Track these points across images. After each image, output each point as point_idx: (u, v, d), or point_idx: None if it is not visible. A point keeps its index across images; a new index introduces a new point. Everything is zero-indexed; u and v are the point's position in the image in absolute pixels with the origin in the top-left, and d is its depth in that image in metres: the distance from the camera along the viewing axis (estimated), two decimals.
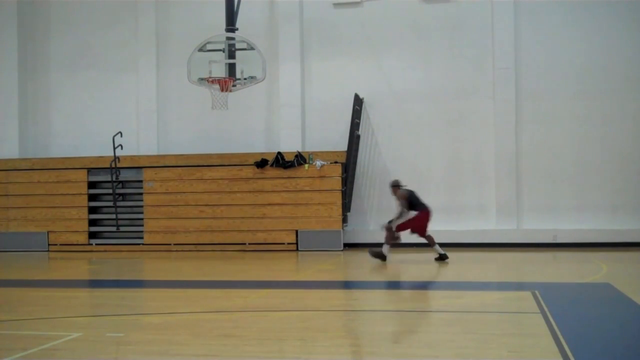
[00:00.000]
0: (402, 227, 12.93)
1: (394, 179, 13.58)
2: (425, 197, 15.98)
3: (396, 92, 16.23)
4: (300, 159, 15.59)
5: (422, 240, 13.12)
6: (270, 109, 16.80)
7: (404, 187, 13.15)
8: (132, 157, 16.57)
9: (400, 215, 12.92)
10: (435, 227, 15.77)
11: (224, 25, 14.32)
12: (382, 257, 12.73)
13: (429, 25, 16.14)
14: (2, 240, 16.65)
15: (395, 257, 13.64)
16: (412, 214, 12.91)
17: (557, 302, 8.18)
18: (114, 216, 16.43)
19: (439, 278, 11.31)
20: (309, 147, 16.38)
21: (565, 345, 5.90)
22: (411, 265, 13.18)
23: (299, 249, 15.48)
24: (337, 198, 15.43)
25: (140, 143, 17.12)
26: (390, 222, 12.93)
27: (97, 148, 16.98)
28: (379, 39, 16.34)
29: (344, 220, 15.68)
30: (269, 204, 15.71)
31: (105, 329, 6.99)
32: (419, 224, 12.94)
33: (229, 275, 12.12)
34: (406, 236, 15.85)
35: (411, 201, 12.91)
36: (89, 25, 17.58)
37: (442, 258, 12.78)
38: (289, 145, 16.23)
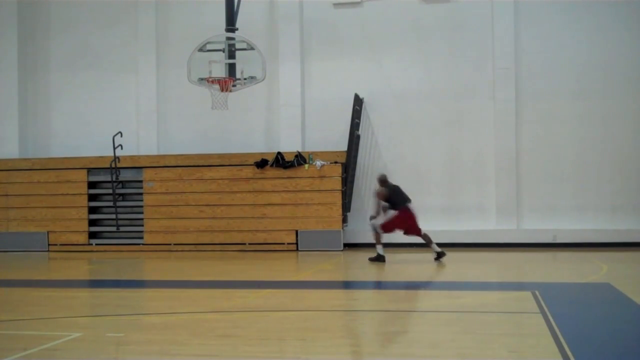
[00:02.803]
0: (387, 227, 12.77)
1: (382, 173, 13.41)
2: (425, 197, 16.06)
3: (396, 92, 16.23)
4: (300, 159, 15.59)
5: (419, 240, 13.00)
6: (270, 109, 16.79)
7: (389, 184, 12.93)
8: (132, 157, 16.57)
9: (377, 212, 12.81)
10: (436, 227, 15.80)
11: (224, 25, 14.34)
12: (381, 259, 12.68)
13: (429, 25, 16.15)
14: (2, 240, 16.64)
15: (395, 257, 13.64)
16: (391, 212, 12.74)
17: (557, 302, 8.18)
18: (114, 216, 16.43)
19: (439, 278, 11.31)
20: (309, 147, 16.38)
21: (565, 345, 5.90)
22: (411, 265, 13.18)
23: (299, 249, 15.47)
24: (337, 198, 15.43)
25: (140, 143, 17.12)
26: (371, 218, 12.88)
27: (97, 148, 16.97)
28: (379, 39, 16.34)
29: (344, 220, 15.68)
30: (269, 204, 15.71)
31: (105, 329, 6.99)
32: (411, 223, 12.77)
33: (229, 275, 12.11)
34: (406, 236, 15.91)
35: (392, 199, 12.72)
36: (89, 25, 17.59)
37: (440, 256, 12.67)
38: (289, 145, 16.23)
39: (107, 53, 17.51)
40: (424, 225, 15.91)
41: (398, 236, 15.88)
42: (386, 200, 12.78)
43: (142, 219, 16.37)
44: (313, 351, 6.10)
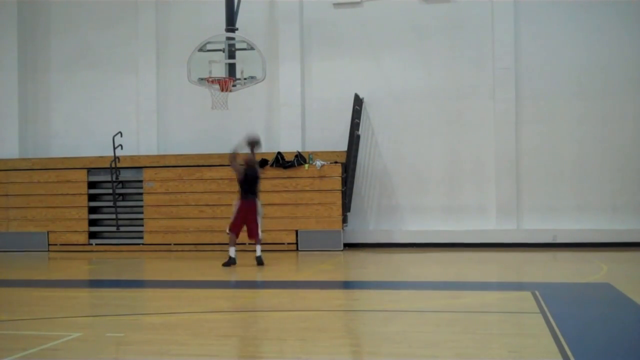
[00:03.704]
0: (234, 228, 12.44)
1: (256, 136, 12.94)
2: (425, 197, 16.08)
3: (396, 92, 16.23)
4: (300, 159, 15.59)
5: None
6: (270, 109, 16.79)
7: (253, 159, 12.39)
8: (132, 157, 16.57)
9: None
10: (436, 227, 15.87)
11: (224, 25, 14.34)
12: (232, 262, 12.35)
13: (429, 26, 16.14)
14: (2, 240, 16.64)
15: (395, 257, 13.66)
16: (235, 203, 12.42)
17: (557, 302, 8.17)
18: (114, 216, 16.43)
19: (439, 278, 11.32)
20: (309, 147, 16.37)
21: (565, 345, 5.89)
22: (411, 265, 13.18)
23: (299, 249, 15.47)
24: (337, 198, 15.42)
25: (140, 143, 17.12)
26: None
27: (97, 148, 16.97)
28: (379, 39, 16.34)
29: (344, 220, 15.67)
30: (269, 204, 15.65)
31: (105, 329, 6.99)
32: (252, 220, 12.37)
33: (228, 275, 12.11)
34: (406, 236, 15.92)
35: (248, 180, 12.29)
36: (89, 25, 17.59)
37: (229, 263, 12.34)
38: (289, 145, 16.23)
39: (107, 53, 17.51)
40: (424, 225, 16.00)
41: (397, 236, 15.97)
42: (240, 179, 12.32)
43: (142, 219, 16.37)
44: (313, 351, 6.09)
